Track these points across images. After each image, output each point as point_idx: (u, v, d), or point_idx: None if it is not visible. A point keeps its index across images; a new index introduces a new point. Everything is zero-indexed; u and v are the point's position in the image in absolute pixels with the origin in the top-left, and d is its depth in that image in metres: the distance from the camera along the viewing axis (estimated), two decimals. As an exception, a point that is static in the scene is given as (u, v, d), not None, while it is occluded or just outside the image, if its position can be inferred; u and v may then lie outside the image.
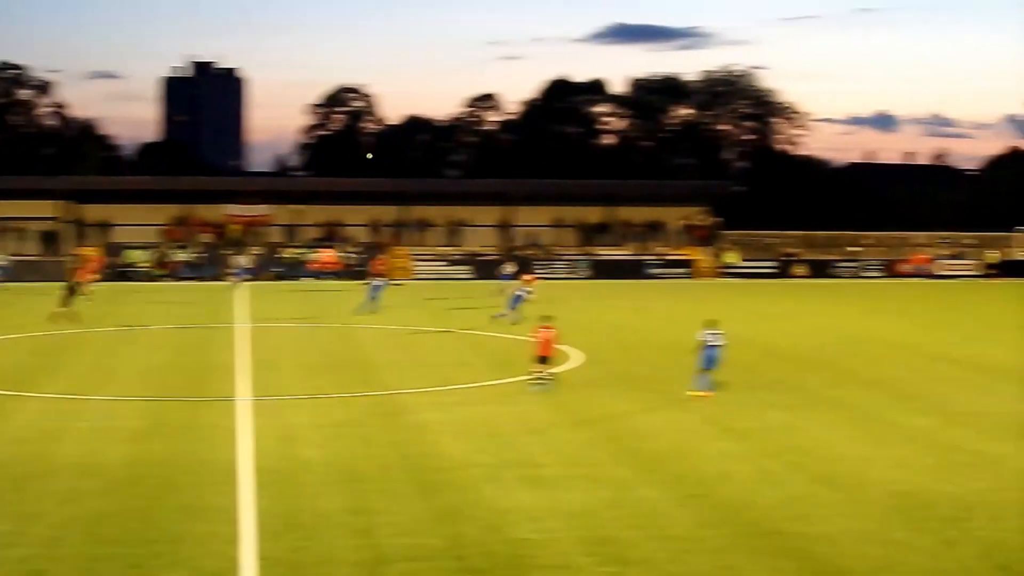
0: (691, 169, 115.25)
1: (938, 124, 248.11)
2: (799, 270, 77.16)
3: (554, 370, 31.26)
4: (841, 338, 43.23)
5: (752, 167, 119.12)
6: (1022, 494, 20.05)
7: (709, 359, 29.25)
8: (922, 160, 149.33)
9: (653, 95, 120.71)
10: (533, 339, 30.99)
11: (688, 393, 29.40)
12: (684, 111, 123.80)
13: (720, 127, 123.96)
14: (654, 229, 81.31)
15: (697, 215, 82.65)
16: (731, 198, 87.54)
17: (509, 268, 62.75)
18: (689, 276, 75.76)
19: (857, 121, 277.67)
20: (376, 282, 52.14)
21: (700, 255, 78.64)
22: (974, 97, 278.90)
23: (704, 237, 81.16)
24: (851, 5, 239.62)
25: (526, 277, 54.37)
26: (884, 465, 22.11)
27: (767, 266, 77.93)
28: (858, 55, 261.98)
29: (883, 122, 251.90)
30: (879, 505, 19.30)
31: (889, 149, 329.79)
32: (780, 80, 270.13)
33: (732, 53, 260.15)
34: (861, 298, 61.84)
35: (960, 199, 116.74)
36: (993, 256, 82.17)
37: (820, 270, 77.53)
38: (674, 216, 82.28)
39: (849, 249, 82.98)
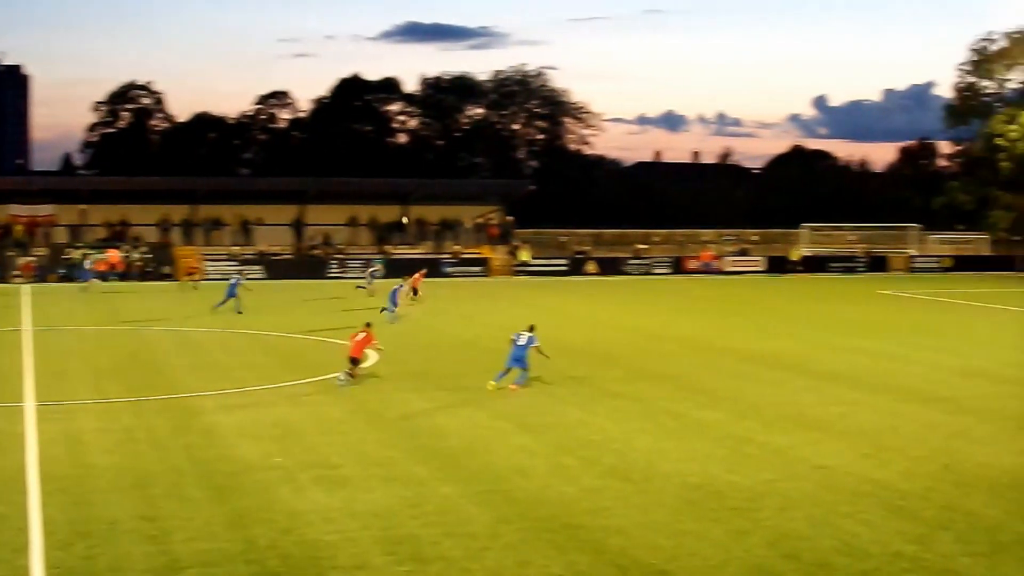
0: (484, 168, 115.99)
1: (724, 124, 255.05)
2: (590, 268, 78.22)
3: (359, 373, 31.37)
4: (633, 334, 43.95)
5: (544, 166, 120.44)
6: (809, 484, 20.66)
7: (514, 358, 30.24)
8: (709, 159, 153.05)
9: (445, 94, 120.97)
10: (350, 341, 31.42)
11: (489, 385, 29.97)
12: (476, 110, 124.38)
13: (512, 126, 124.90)
14: (448, 228, 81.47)
15: (491, 214, 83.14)
16: (524, 197, 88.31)
17: (378, 268, 62.42)
18: (484, 274, 76.15)
19: (646, 121, 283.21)
20: (234, 279, 51.67)
21: (495, 253, 79.12)
22: (758, 97, 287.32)
23: (498, 236, 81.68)
24: (640, 7, 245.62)
25: (416, 276, 54.95)
26: (676, 458, 22.56)
27: (559, 264, 78.76)
28: (647, 56, 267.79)
29: (671, 122, 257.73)
30: (671, 497, 19.67)
31: (677, 148, 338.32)
32: (571, 80, 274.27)
33: (523, 53, 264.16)
34: (651, 295, 63.01)
35: (745, 197, 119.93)
36: (797, 253, 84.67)
37: (611, 268, 78.66)
38: (468, 215, 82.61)
39: (639, 247, 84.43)
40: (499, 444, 23.76)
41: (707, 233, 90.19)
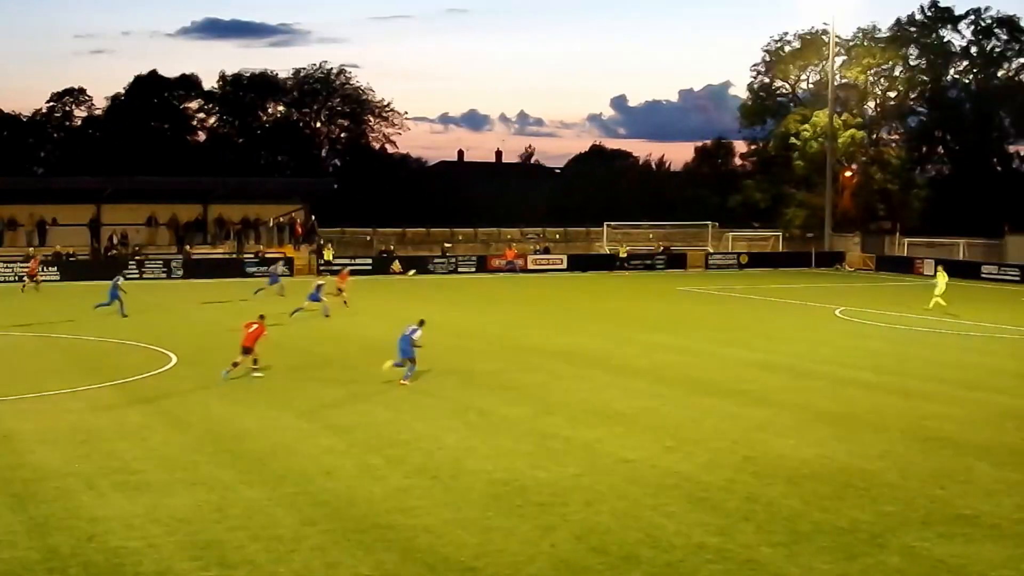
0: (285, 167, 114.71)
1: (526, 123, 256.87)
2: (396, 267, 78.03)
3: (251, 363, 32.63)
4: (439, 333, 43.89)
5: (347, 165, 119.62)
6: (614, 478, 20.93)
7: (400, 350, 31.67)
8: (511, 158, 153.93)
9: (246, 92, 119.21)
10: (244, 331, 32.66)
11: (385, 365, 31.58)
12: (277, 108, 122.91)
13: (314, 125, 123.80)
14: (251, 227, 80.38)
15: (294, 212, 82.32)
16: (327, 196, 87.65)
17: (281, 268, 61.18)
18: (288, 274, 75.24)
19: (449, 120, 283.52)
20: (116, 279, 50.18)
21: (298, 253, 78.33)
22: (559, 97, 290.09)
23: (302, 235, 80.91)
24: (442, 6, 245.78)
25: (341, 274, 54.63)
26: (483, 455, 22.64)
27: (364, 263, 78.36)
28: (449, 55, 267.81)
29: (474, 121, 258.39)
30: (478, 494, 19.73)
31: (480, 147, 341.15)
32: (374, 79, 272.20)
33: (325, 51, 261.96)
34: (456, 293, 63.14)
35: (548, 196, 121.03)
36: (624, 249, 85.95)
37: (416, 266, 78.57)
38: (270, 214, 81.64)
39: (445, 245, 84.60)
40: (305, 445, 23.52)
41: (511, 231, 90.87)
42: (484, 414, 27.13)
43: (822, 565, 16.28)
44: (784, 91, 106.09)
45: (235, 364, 32.01)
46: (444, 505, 19.06)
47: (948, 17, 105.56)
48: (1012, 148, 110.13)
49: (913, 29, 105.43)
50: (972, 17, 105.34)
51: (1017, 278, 76.70)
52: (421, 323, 32.45)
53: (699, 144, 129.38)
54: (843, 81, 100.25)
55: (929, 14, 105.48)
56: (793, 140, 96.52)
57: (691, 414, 27.41)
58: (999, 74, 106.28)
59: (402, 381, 31.06)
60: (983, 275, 79.36)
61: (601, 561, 16.34)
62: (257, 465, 21.82)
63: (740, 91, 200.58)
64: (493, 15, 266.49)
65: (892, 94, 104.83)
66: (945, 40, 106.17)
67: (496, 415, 27.03)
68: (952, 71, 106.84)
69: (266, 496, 19.56)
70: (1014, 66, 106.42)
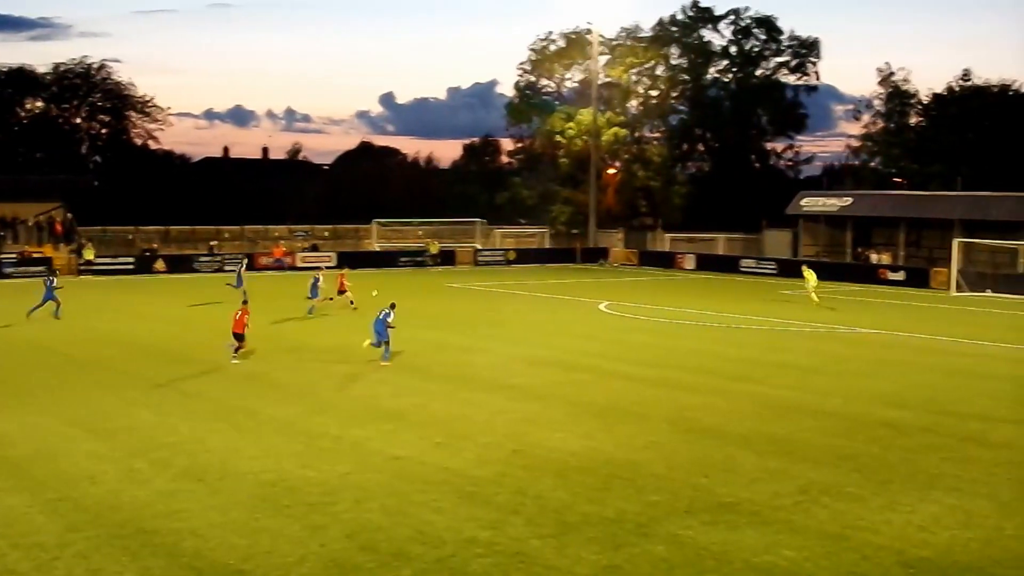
0: (45, 164, 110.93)
1: (293, 119, 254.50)
2: (159, 265, 76.33)
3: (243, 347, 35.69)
4: (206, 333, 43.15)
5: (108, 161, 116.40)
6: (384, 475, 20.87)
7: (375, 331, 34.65)
8: (279, 155, 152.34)
9: (2, 87, 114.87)
10: (232, 319, 35.81)
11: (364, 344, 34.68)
12: (36, 104, 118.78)
13: (74, 120, 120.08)
14: (8, 227, 77.51)
15: (52, 211, 79.70)
16: (88, 193, 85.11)
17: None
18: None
19: (214, 116, 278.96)
20: (48, 280, 47.87)
21: (58, 252, 75.90)
22: (327, 93, 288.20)
23: (61, 234, 78.42)
24: (206, 0, 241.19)
25: (342, 274, 53.07)
26: (250, 456, 22.31)
27: (126, 262, 76.41)
28: (214, 50, 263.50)
29: (240, 117, 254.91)
30: (246, 495, 19.44)
31: (246, 144, 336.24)
32: (136, 74, 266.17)
33: (86, 45, 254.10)
34: (223, 292, 62.01)
35: (316, 193, 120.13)
36: (435, 247, 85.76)
37: (181, 265, 77.05)
38: (29, 212, 78.88)
39: (211, 244, 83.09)
40: (68, 450, 22.79)
41: (278, 229, 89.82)
42: (251, 415, 26.74)
43: (590, 556, 16.53)
44: (549, 89, 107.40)
45: (236, 349, 35.42)
46: (211, 508, 18.71)
47: (708, 17, 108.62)
48: (770, 145, 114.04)
49: (675, 29, 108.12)
50: (732, 17, 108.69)
51: (775, 272, 79.38)
52: (392, 306, 35.35)
53: (467, 142, 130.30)
54: (607, 80, 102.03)
55: (690, 14, 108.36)
56: (558, 138, 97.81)
57: (460, 410, 27.53)
58: (757, 73, 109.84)
59: (381, 362, 34.28)
60: (742, 269, 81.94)
61: (371, 559, 16.27)
62: (17, 471, 21.06)
63: (507, 89, 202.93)
64: (258, 9, 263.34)
65: (654, 93, 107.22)
66: (705, 40, 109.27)
67: (264, 415, 26.67)
68: (712, 70, 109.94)
69: (27, 503, 18.90)
70: (772, 65, 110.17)
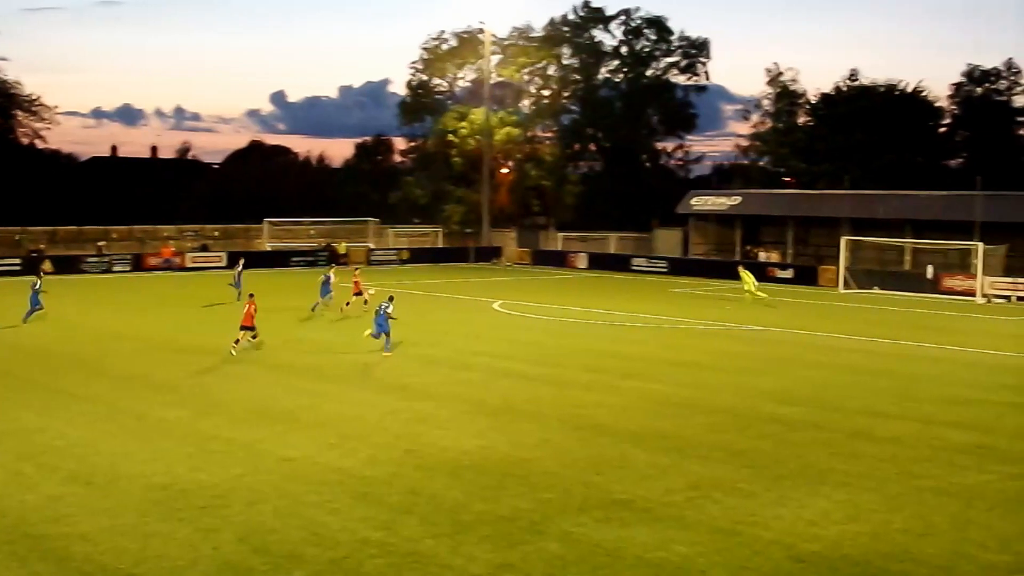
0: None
1: (183, 118, 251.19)
2: (46, 266, 74.97)
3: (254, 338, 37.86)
4: (94, 334, 42.54)
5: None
6: (276, 476, 20.72)
7: (376, 324, 36.85)
8: (168, 154, 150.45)
9: None
10: (244, 310, 37.81)
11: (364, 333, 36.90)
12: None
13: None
14: None
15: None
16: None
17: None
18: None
19: (102, 114, 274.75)
20: (35, 284, 47.20)
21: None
22: (217, 92, 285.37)
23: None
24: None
25: (356, 276, 52.03)
26: (140, 459, 22.01)
27: (12, 263, 74.92)
28: (102, 48, 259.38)
29: (128, 115, 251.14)
30: (136, 499, 19.18)
31: (135, 143, 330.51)
32: (23, 72, 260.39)
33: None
34: (112, 293, 61.21)
35: (206, 192, 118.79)
36: (343, 246, 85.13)
37: (68, 266, 75.70)
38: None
39: (98, 244, 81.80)
40: (-51, 455, 22.33)
41: (167, 229, 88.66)
42: (141, 417, 26.39)
43: (484, 554, 16.55)
44: (442, 89, 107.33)
45: (249, 339, 37.52)
46: (101, 512, 18.44)
47: (600, 17, 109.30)
48: (660, 145, 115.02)
49: (566, 29, 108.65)
50: (623, 18, 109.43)
51: (665, 270, 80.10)
52: (391, 299, 38.05)
53: (359, 141, 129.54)
54: (499, 80, 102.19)
55: (581, 14, 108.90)
56: (451, 137, 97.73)
57: (353, 410, 27.42)
58: (648, 73, 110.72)
59: (384, 354, 36.27)
60: (633, 267, 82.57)
61: (264, 561, 16.15)
62: None
63: (400, 88, 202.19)
64: (147, 7, 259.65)
65: (546, 92, 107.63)
66: (596, 40, 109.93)
67: (153, 418, 26.34)
68: (603, 70, 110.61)
69: (-95, 511, 18.48)
70: (662, 65, 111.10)
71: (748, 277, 58.21)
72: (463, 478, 20.82)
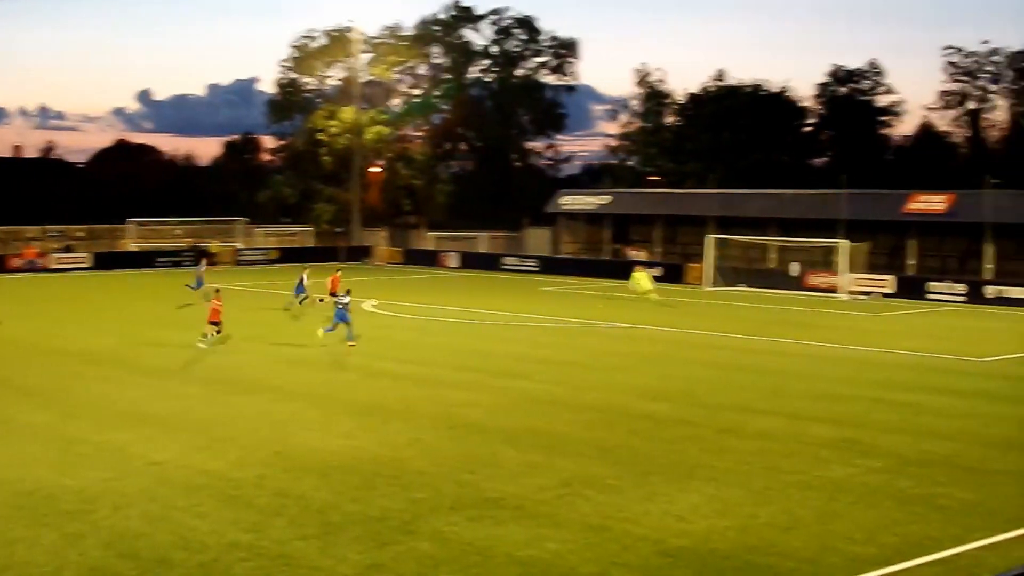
0: None
1: (47, 117, 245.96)
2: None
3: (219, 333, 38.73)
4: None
5: None
6: (145, 480, 20.40)
7: (338, 316, 38.85)
8: (32, 153, 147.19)
9: None
10: (210, 306, 39.24)
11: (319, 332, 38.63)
12: None
13: None
14: None
15: None
16: None
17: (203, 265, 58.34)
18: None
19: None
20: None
21: None
22: (82, 90, 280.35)
23: None
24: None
25: (335, 276, 50.76)
26: (5, 464, 21.53)
27: None
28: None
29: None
30: (1, 505, 18.74)
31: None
32: None
33: None
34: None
35: (70, 192, 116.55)
36: (217, 246, 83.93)
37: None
38: None
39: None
40: None
41: (31, 230, 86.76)
42: (4, 422, 25.80)
43: (354, 555, 16.48)
44: (312, 87, 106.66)
45: (212, 335, 38.46)
46: (-40, 519, 17.99)
47: (470, 17, 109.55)
48: (530, 144, 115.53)
49: (437, 28, 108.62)
50: (493, 18, 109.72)
51: (536, 269, 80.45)
52: (348, 292, 41.09)
53: (228, 139, 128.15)
54: (369, 78, 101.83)
55: (452, 14, 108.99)
56: (321, 136, 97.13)
57: (221, 412, 27.11)
58: (518, 73, 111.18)
59: (349, 343, 38.12)
60: (504, 266, 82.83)
61: (132, 566, 15.89)
62: None
63: (269, 86, 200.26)
64: (8, 3, 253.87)
65: (417, 91, 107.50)
66: (467, 39, 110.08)
67: (17, 422, 25.77)
68: (474, 69, 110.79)
69: None
70: (532, 65, 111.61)
71: (643, 277, 58.39)
72: (333, 479, 20.70)
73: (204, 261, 62.47)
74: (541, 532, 17.69)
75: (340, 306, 39.10)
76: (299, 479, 20.65)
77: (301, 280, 49.88)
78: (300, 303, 49.78)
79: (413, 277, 76.92)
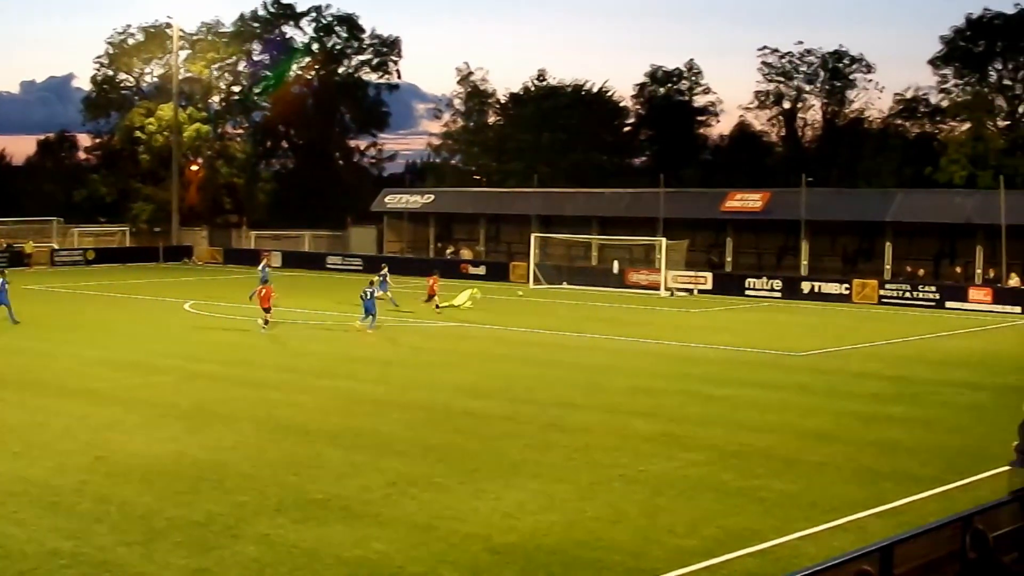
0: None
1: None
2: None
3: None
4: None
5: None
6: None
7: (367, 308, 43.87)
8: None
9: None
10: (261, 292, 44.22)
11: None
12: None
13: None
14: None
15: None
16: None
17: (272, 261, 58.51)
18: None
19: None
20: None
21: None
22: None
23: None
24: None
25: (432, 279, 53.21)
26: None
27: None
28: None
29: None
30: None
31: None
32: None
33: None
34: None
35: None
36: (31, 247, 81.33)
37: None
38: None
39: None
40: None
41: None
42: None
43: (179, 560, 16.25)
44: (129, 84, 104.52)
45: (266, 322, 43.63)
46: None
47: (290, 14, 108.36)
48: (353, 143, 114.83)
49: (257, 25, 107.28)
50: (314, 15, 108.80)
51: (360, 268, 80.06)
52: (371, 283, 45.56)
53: (42, 137, 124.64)
54: (188, 75, 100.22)
55: (272, 10, 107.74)
56: (139, 134, 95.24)
57: (38, 417, 26.44)
58: (340, 71, 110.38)
59: (368, 331, 42.94)
60: (328, 266, 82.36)
61: (-55, 578, 15.45)
62: None
63: (84, 83, 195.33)
64: None
65: (236, 88, 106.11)
66: (288, 36, 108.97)
67: None
68: (295, 67, 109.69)
69: None
70: (354, 63, 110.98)
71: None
72: (155, 484, 20.37)
73: (265, 256, 67.40)
74: (368, 532, 17.68)
75: (370, 297, 44.15)
76: (121, 485, 20.27)
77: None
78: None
79: (234, 277, 75.90)
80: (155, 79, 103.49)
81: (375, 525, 18.08)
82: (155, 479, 20.69)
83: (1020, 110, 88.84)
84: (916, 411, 29.10)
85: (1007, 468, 18.37)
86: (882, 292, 60.65)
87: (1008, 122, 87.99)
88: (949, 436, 25.92)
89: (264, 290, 44.72)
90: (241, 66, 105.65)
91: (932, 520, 15.84)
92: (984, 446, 24.01)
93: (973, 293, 58.54)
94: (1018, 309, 55.83)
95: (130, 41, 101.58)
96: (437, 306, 51.30)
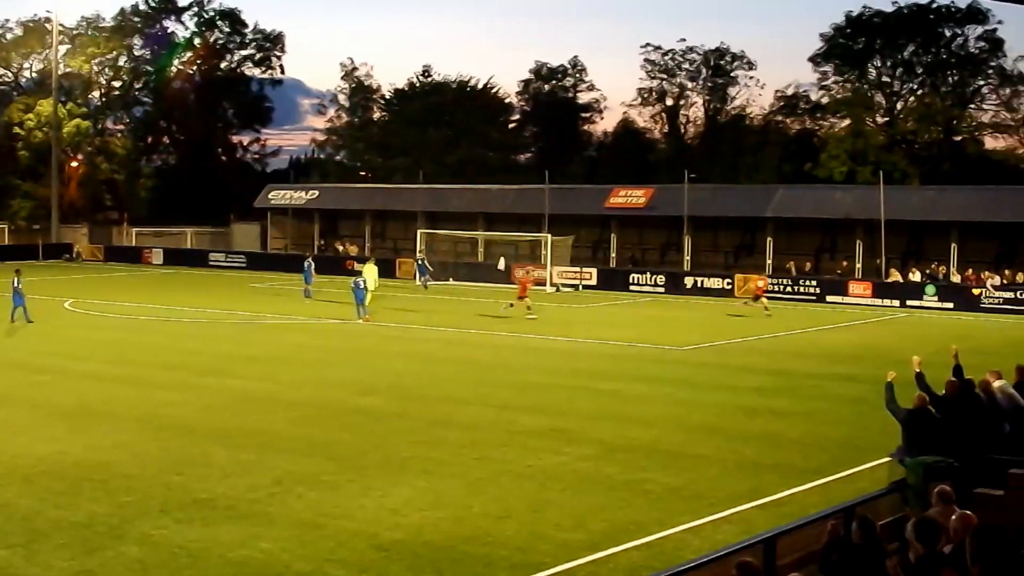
0: None
1: None
2: None
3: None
4: None
5: None
6: None
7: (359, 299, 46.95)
8: None
9: None
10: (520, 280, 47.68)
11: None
12: None
13: None
14: None
15: None
16: None
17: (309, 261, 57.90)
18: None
19: None
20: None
21: None
22: None
23: None
24: None
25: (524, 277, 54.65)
26: None
27: None
28: None
29: None
30: None
31: None
32: None
33: None
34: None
35: None
36: None
37: None
38: None
39: None
40: None
41: None
42: None
43: (61, 562, 16.01)
44: (7, 79, 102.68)
45: (528, 308, 47.97)
46: None
47: (173, 8, 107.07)
48: (236, 138, 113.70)
49: (137, 19, 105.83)
50: (196, 9, 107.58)
51: (244, 264, 79.47)
52: (360, 274, 49.01)
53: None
54: (67, 70, 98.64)
55: (153, 5, 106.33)
56: (17, 130, 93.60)
57: (-86, 419, 25.86)
58: (223, 66, 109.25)
59: (361, 320, 45.92)
60: (211, 263, 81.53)
61: None
62: None
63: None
64: None
65: (117, 84, 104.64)
66: (170, 31, 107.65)
67: None
68: (177, 62, 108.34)
69: None
70: (237, 58, 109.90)
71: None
72: (37, 485, 20.03)
73: (309, 256, 65.78)
74: (254, 531, 17.55)
75: (361, 288, 47.31)
76: (2, 486, 19.89)
77: (422, 261, 58.04)
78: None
79: (115, 274, 74.83)
80: (34, 74, 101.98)
81: (261, 524, 17.95)
82: (37, 480, 20.34)
83: (899, 107, 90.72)
84: (798, 404, 29.57)
85: (887, 460, 18.71)
86: (764, 287, 61.57)
87: (887, 119, 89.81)
88: (830, 429, 26.36)
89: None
90: (122, 61, 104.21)
91: (814, 512, 16.12)
92: (865, 438, 24.45)
93: (853, 287, 59.65)
94: (897, 303, 56.98)
95: (8, 36, 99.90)
96: (528, 307, 48.51)
